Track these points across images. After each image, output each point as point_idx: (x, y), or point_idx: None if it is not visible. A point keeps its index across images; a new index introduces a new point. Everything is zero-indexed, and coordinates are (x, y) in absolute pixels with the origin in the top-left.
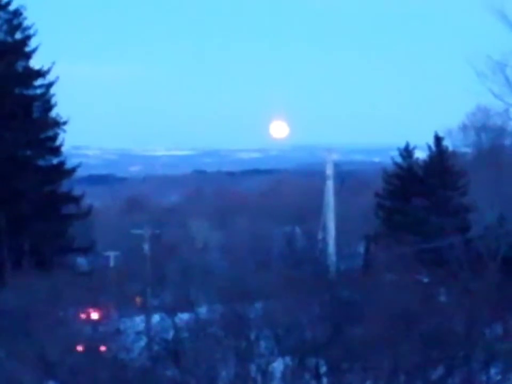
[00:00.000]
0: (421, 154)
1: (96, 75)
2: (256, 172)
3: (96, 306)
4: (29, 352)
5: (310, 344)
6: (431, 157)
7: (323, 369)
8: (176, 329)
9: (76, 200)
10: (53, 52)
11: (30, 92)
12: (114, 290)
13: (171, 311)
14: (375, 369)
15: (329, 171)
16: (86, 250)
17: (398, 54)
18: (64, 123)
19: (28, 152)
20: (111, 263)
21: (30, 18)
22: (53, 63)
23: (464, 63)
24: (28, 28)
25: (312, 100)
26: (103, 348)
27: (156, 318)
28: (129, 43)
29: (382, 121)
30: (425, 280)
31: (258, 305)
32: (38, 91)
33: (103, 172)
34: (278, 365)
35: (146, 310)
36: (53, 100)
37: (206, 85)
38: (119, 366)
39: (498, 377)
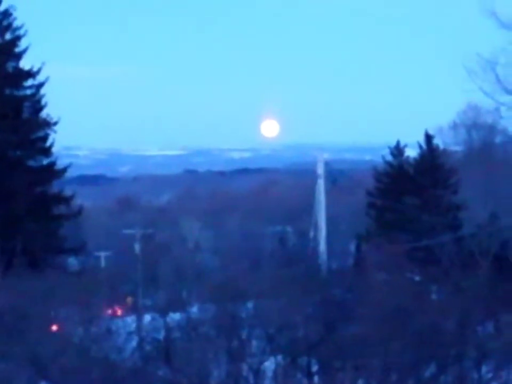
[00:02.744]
0: (411, 153)
1: (86, 76)
2: (247, 171)
3: (119, 304)
4: (21, 352)
5: (302, 343)
6: (422, 155)
7: (315, 368)
8: (168, 329)
9: (67, 200)
10: (42, 53)
11: (20, 92)
12: (105, 290)
13: (162, 311)
14: (367, 368)
15: (320, 170)
16: (77, 250)
17: (389, 53)
18: (55, 123)
19: (18, 153)
20: (102, 263)
21: (20, 18)
22: (43, 63)
23: (454, 61)
24: (18, 28)
25: (303, 99)
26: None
27: (147, 318)
28: (119, 44)
29: (372, 120)
30: (417, 278)
31: (250, 304)
32: (28, 91)
33: (94, 172)
34: (269, 364)
35: (138, 310)
36: (43, 101)
37: (197, 85)
38: (110, 366)
39: (490, 375)
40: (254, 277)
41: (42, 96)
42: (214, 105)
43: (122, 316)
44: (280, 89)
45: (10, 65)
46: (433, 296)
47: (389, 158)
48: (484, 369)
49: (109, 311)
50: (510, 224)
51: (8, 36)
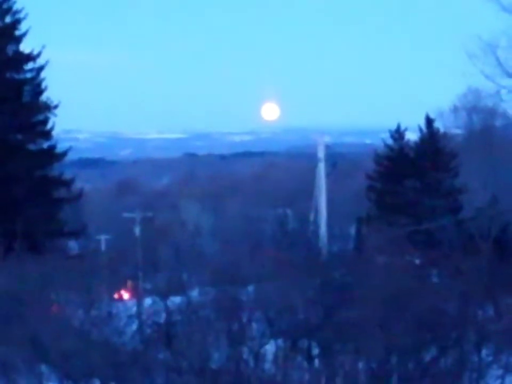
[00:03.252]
0: (412, 136)
1: (86, 60)
2: (248, 155)
3: (126, 287)
4: (21, 336)
5: (302, 327)
6: (422, 139)
7: (315, 351)
8: (168, 312)
9: (67, 184)
10: (43, 36)
11: (21, 75)
12: (105, 273)
13: (163, 294)
14: (367, 351)
15: (321, 153)
16: (77, 234)
17: (389, 36)
18: (55, 107)
19: (19, 136)
20: (103, 247)
21: (20, 2)
22: (43, 46)
23: (455, 44)
24: (18, 11)
25: (303, 82)
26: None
27: (147, 301)
28: (118, 28)
29: (373, 103)
30: (417, 261)
31: (251, 288)
32: (28, 75)
33: (94, 155)
34: (270, 347)
35: (138, 294)
36: (43, 84)
37: (197, 68)
38: (111, 349)
39: (490, 358)
40: (255, 260)
41: (43, 79)
42: (214, 89)
43: (125, 299)
44: (280, 72)
45: (10, 49)
46: (434, 279)
47: (389, 141)
48: (484, 352)
49: (117, 295)
50: (510, 207)
51: (8, 19)
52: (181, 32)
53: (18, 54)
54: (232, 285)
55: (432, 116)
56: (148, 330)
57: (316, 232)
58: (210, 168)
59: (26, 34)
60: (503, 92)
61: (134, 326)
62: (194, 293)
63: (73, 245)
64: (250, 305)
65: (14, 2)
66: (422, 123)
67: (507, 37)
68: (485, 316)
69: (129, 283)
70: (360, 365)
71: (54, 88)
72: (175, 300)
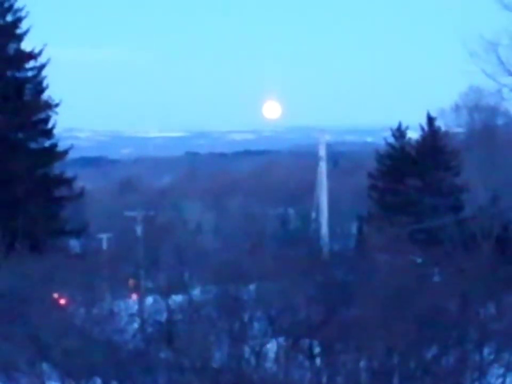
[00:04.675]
0: (413, 135)
1: (87, 58)
2: (249, 153)
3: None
4: (23, 335)
5: (303, 325)
6: (424, 137)
7: (317, 350)
8: (170, 311)
9: (68, 182)
10: (44, 35)
11: (22, 74)
12: (107, 272)
13: (164, 293)
14: (369, 350)
15: (322, 152)
16: (78, 232)
17: (391, 34)
18: (56, 105)
19: (20, 135)
20: (104, 246)
21: (21, 0)
22: (44, 45)
23: (457, 43)
24: (19, 10)
25: (304, 81)
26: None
27: (149, 300)
28: (119, 26)
29: (374, 102)
30: (419, 260)
31: (252, 286)
32: (30, 73)
33: (95, 154)
34: (271, 346)
35: (140, 292)
36: (45, 82)
37: (198, 67)
38: (112, 348)
39: (492, 357)
40: (256, 258)
41: (44, 78)
42: (215, 87)
43: (132, 298)
44: (281, 70)
45: (11, 47)
46: (435, 278)
47: (391, 140)
48: (486, 351)
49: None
50: None
51: (9, 18)
52: (182, 30)
53: (20, 52)
54: (234, 283)
55: (433, 114)
56: (150, 329)
57: (317, 231)
58: (212, 166)
59: (27, 33)
60: (505, 90)
61: (136, 325)
62: (196, 292)
63: (74, 244)
64: (251, 304)
65: (15, 1)
66: (424, 122)
67: (508, 35)
68: (487, 314)
69: (131, 282)
70: (362, 363)
71: (55, 86)
72: (177, 298)
